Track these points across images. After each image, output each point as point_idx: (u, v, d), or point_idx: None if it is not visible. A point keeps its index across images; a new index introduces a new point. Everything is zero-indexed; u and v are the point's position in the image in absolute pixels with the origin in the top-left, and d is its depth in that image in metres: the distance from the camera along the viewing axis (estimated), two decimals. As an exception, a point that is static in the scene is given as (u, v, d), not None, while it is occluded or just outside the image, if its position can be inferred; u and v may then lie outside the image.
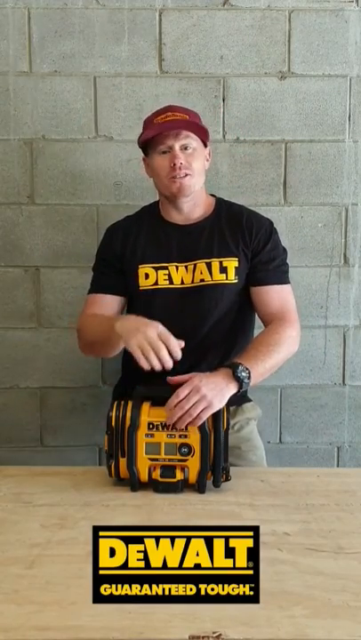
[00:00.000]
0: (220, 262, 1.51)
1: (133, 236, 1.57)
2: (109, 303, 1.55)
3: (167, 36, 1.86)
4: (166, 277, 1.52)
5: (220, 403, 1.23)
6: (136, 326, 1.27)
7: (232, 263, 1.51)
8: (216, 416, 1.23)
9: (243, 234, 1.53)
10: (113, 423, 1.24)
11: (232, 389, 1.27)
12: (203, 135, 1.52)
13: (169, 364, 1.23)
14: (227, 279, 1.51)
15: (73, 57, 1.86)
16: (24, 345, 1.94)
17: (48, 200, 1.90)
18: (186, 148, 1.48)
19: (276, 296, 1.53)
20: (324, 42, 1.88)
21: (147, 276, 1.52)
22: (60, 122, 1.88)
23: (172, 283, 1.51)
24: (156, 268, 1.52)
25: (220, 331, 1.54)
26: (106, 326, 1.38)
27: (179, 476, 1.21)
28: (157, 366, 1.23)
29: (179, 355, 1.24)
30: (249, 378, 1.30)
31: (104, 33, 1.85)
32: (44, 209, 1.90)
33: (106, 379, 1.93)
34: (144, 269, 1.53)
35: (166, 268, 1.52)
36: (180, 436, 1.22)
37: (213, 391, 1.23)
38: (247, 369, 1.31)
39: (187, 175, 1.47)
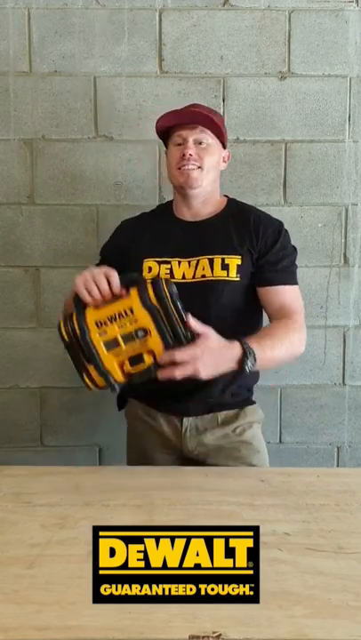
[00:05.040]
0: (223, 259, 1.50)
1: (141, 231, 1.58)
2: None
3: (167, 36, 1.86)
4: (168, 272, 1.51)
5: (206, 376, 1.23)
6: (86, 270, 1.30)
7: (234, 261, 1.50)
8: (156, 288, 1.21)
9: (249, 233, 1.52)
10: (67, 338, 1.22)
11: (228, 370, 1.27)
12: (220, 134, 1.52)
13: (109, 295, 1.25)
14: (228, 276, 1.49)
15: (73, 57, 1.86)
16: (24, 345, 1.95)
17: (48, 200, 1.90)
18: (200, 143, 1.49)
19: (283, 296, 1.51)
20: (324, 42, 1.88)
21: (150, 269, 1.52)
22: (60, 122, 1.88)
23: (173, 277, 1.50)
24: (159, 262, 1.52)
25: (222, 332, 1.52)
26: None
27: (148, 360, 1.21)
28: (97, 296, 1.24)
29: (118, 288, 1.25)
30: (250, 372, 1.30)
31: (104, 33, 1.85)
32: (44, 209, 1.90)
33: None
34: (148, 263, 1.52)
35: (169, 262, 1.52)
36: (130, 323, 1.21)
37: (209, 368, 1.23)
38: (254, 363, 1.29)
39: (196, 168, 1.48)
